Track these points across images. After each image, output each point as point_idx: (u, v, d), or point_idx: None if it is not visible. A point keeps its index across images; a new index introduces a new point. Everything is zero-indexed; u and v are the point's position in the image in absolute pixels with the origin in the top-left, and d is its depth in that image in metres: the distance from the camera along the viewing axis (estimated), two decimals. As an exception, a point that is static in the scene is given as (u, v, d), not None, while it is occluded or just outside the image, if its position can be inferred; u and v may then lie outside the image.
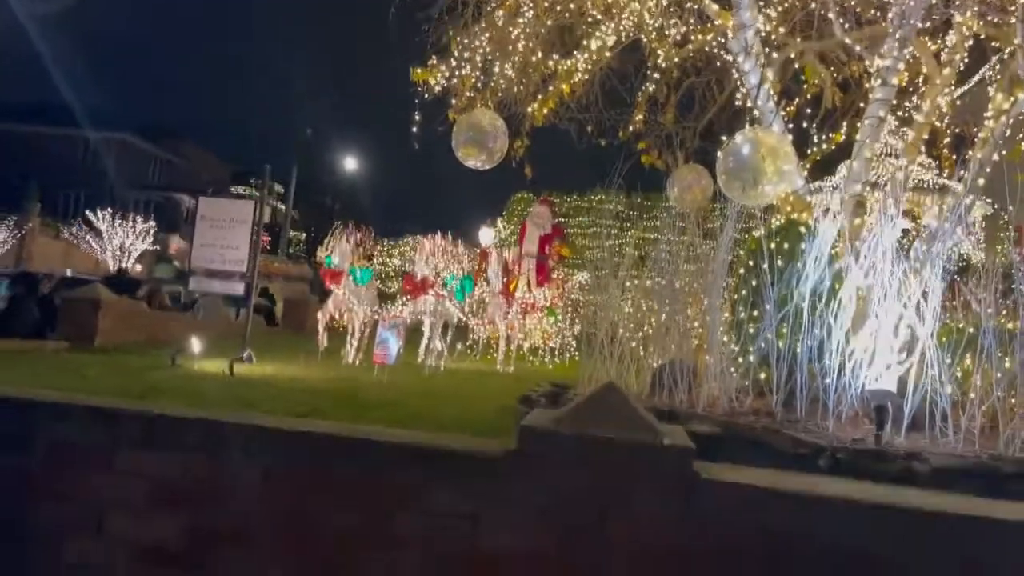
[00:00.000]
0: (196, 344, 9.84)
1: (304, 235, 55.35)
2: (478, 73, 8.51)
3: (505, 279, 13.38)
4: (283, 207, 40.26)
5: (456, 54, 8.32)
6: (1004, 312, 6.00)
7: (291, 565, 2.49)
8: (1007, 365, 5.39)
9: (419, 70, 8.30)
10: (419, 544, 2.44)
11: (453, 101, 8.57)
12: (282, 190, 41.18)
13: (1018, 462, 4.65)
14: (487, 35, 8.32)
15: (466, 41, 8.29)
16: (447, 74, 8.33)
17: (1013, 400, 5.31)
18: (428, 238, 11.95)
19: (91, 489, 2.60)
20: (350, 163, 41.72)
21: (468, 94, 8.59)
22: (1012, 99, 6.86)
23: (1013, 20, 7.08)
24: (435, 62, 8.32)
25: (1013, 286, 5.79)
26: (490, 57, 8.52)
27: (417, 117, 8.56)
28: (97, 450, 2.59)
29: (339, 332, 11.48)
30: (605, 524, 2.33)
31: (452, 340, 12.24)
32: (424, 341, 11.75)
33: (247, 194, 35.12)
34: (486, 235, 24.75)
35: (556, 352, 14.79)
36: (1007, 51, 7.53)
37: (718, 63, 9.09)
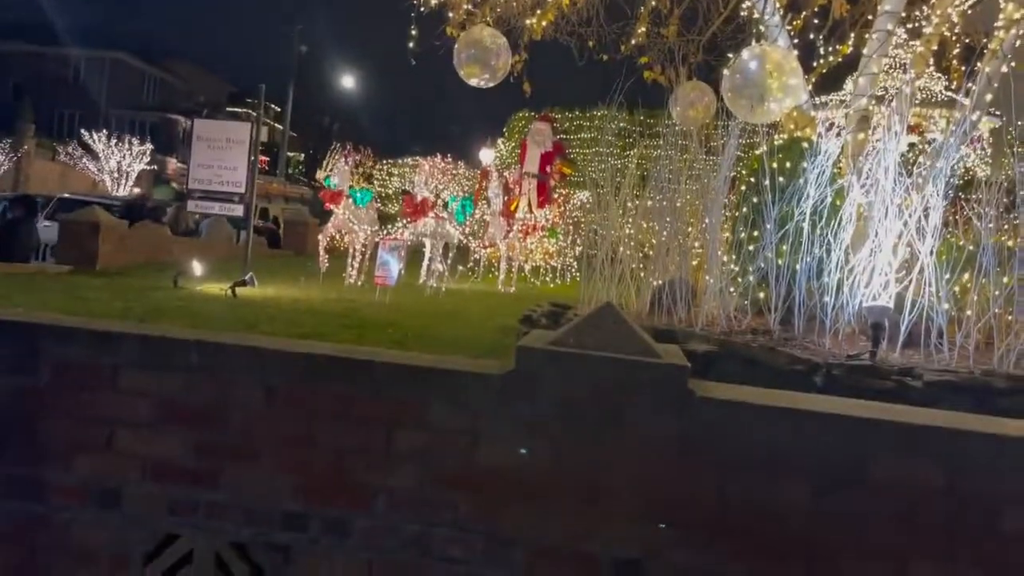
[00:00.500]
0: (198, 266, 9.88)
1: (303, 156, 54.71)
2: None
3: (506, 199, 13.30)
4: (280, 127, 39.66)
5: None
6: (1005, 227, 5.99)
7: (294, 479, 2.57)
8: (1005, 281, 5.42)
9: (414, -17, 8.05)
10: (418, 460, 2.51)
11: (450, 15, 8.34)
12: (279, 110, 40.47)
13: (1011, 378, 4.72)
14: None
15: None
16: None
17: (1009, 317, 5.35)
18: (428, 160, 11.83)
19: (98, 408, 2.66)
20: (348, 81, 40.92)
21: (466, 6, 8.34)
22: (1022, 11, 6.66)
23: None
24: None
25: (1016, 201, 5.76)
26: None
27: (413, 31, 8.35)
28: (101, 371, 2.64)
29: (340, 254, 11.50)
30: (601, 441, 2.39)
31: (453, 261, 12.27)
32: (425, 263, 11.78)
33: (243, 112, 34.49)
34: (486, 155, 24.47)
35: (557, 272, 14.84)
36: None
37: (724, -27, 8.79)
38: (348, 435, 2.56)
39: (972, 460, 2.28)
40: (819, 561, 2.30)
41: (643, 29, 8.91)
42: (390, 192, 32.40)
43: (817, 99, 8.60)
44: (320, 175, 11.13)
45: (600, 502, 2.39)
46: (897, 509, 2.28)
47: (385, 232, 11.73)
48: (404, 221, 12.06)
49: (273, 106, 40.84)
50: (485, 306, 9.45)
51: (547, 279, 14.42)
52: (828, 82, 9.32)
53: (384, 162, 31.99)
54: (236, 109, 41.15)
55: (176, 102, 45.54)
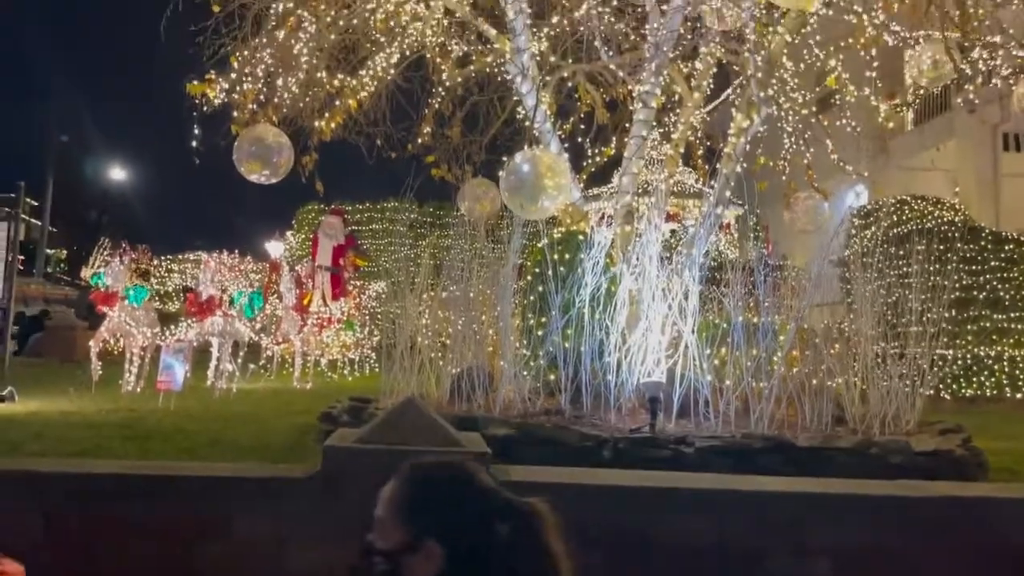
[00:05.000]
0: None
1: (65, 253, 50.01)
2: (260, 86, 8.29)
3: (298, 293, 13.07)
4: (39, 223, 36.21)
5: (236, 66, 8.06)
6: (751, 304, 6.87)
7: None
8: (754, 353, 6.20)
9: (195, 83, 7.93)
10: (222, 572, 2.43)
11: (235, 114, 8.29)
12: (36, 204, 36.93)
13: (765, 438, 5.37)
14: (268, 50, 8.12)
15: (246, 54, 8.05)
16: (227, 87, 8.03)
17: (761, 384, 6.11)
18: (214, 256, 11.42)
19: None
20: (118, 173, 38.47)
21: (251, 107, 8.34)
22: (748, 120, 7.85)
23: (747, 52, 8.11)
24: (213, 76, 7.99)
25: (756, 280, 6.65)
26: (272, 71, 8.34)
27: (196, 130, 8.19)
28: None
29: (113, 359, 10.63)
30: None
31: (244, 359, 11.75)
32: (213, 363, 11.20)
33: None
34: (275, 248, 23.89)
35: (356, 365, 14.66)
36: (744, 77, 8.61)
37: (499, 79, 9.56)
38: (140, 552, 2.44)
39: (736, 515, 2.62)
40: (615, 623, 2.50)
41: (428, 130, 9.40)
42: (169, 290, 30.41)
43: (588, 191, 9.48)
44: (86, 273, 10.33)
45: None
46: (679, 565, 2.56)
47: (169, 334, 11.04)
48: (189, 321, 11.43)
49: (29, 200, 37.26)
50: (281, 405, 9.12)
51: (344, 372, 14.19)
52: (597, 177, 10.32)
53: (163, 258, 30.08)
54: (-16, 204, 37.01)
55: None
